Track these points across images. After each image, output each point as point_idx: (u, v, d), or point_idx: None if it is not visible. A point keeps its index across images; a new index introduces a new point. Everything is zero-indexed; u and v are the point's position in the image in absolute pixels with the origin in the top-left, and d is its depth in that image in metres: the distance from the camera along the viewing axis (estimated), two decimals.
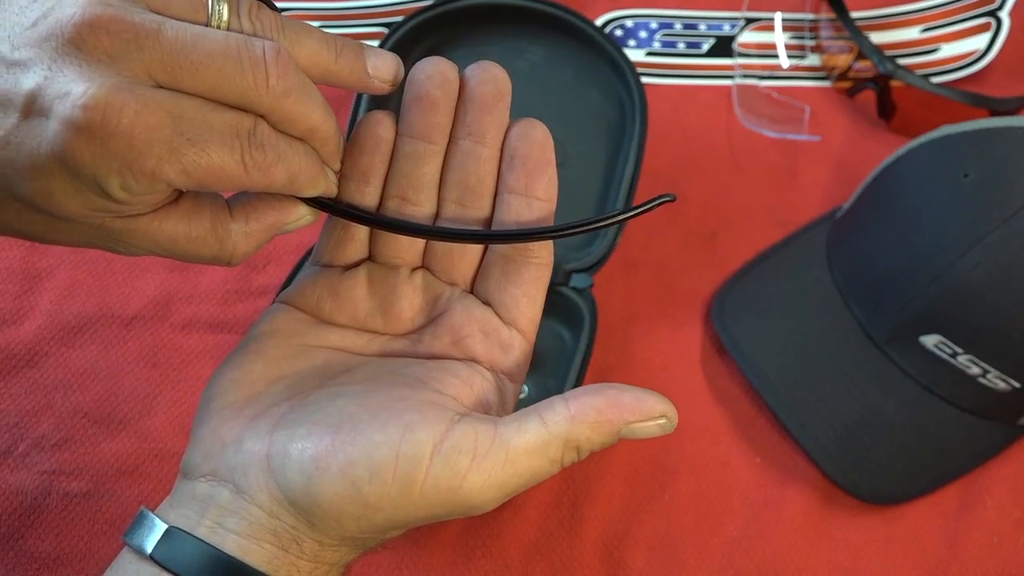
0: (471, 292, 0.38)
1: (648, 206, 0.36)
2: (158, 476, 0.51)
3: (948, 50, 0.66)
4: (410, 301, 0.37)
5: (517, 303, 0.36)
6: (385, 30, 0.65)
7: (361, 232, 0.37)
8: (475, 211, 0.37)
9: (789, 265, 0.57)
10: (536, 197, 0.36)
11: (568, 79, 0.58)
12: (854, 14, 0.64)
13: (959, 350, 0.49)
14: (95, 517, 0.50)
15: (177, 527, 0.31)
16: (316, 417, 0.32)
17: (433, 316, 0.37)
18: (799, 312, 0.55)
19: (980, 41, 0.65)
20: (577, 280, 0.54)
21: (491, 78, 0.35)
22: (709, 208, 0.61)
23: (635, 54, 0.66)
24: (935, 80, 0.64)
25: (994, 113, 0.59)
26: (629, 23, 0.67)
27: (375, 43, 0.57)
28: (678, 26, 0.67)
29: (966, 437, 0.52)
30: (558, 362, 0.53)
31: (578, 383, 0.51)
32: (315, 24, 0.65)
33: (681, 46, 0.67)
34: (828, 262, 0.56)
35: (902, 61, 0.64)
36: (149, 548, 0.31)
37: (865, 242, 0.54)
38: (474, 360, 0.36)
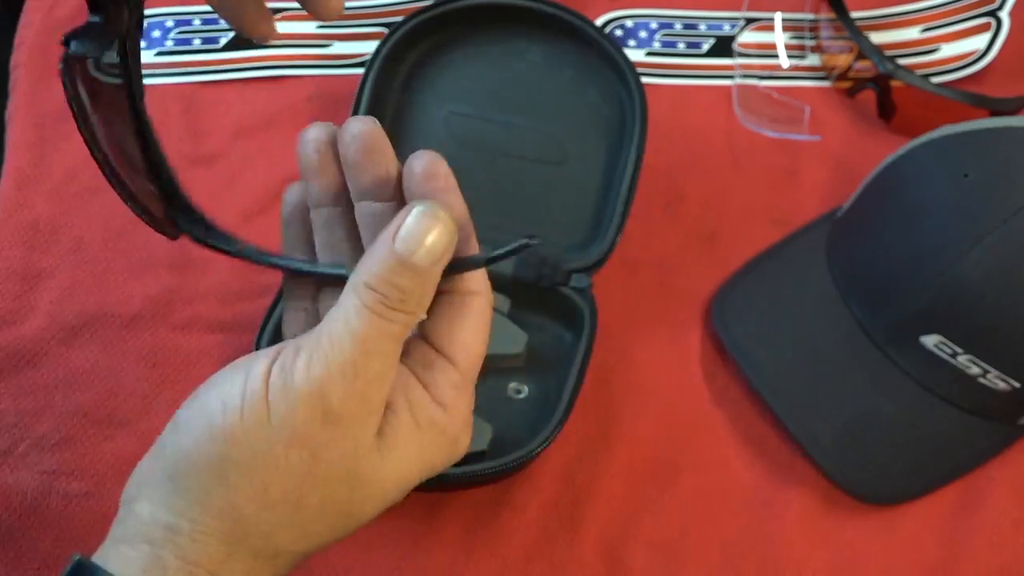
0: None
1: (511, 250, 0.33)
2: None
3: (948, 50, 0.66)
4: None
5: (458, 338, 0.34)
6: (385, 30, 0.65)
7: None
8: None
9: (789, 265, 0.57)
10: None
11: (568, 79, 0.58)
12: (854, 14, 0.64)
13: (959, 350, 0.49)
14: (95, 517, 0.50)
15: (82, 557, 0.31)
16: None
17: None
18: (799, 312, 0.55)
19: (980, 41, 0.65)
20: (577, 280, 0.54)
21: (359, 135, 0.35)
22: (709, 208, 0.61)
23: (635, 54, 0.66)
24: (935, 80, 0.64)
25: (994, 113, 0.59)
26: (629, 23, 0.67)
27: (375, 43, 0.57)
28: (678, 26, 0.67)
29: (966, 437, 0.52)
30: (558, 362, 0.53)
31: (578, 383, 0.51)
32: (314, 25, 0.65)
33: (681, 46, 0.67)
34: (828, 262, 0.56)
35: (902, 61, 0.64)
36: None
37: (865, 242, 0.54)
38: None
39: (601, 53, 0.57)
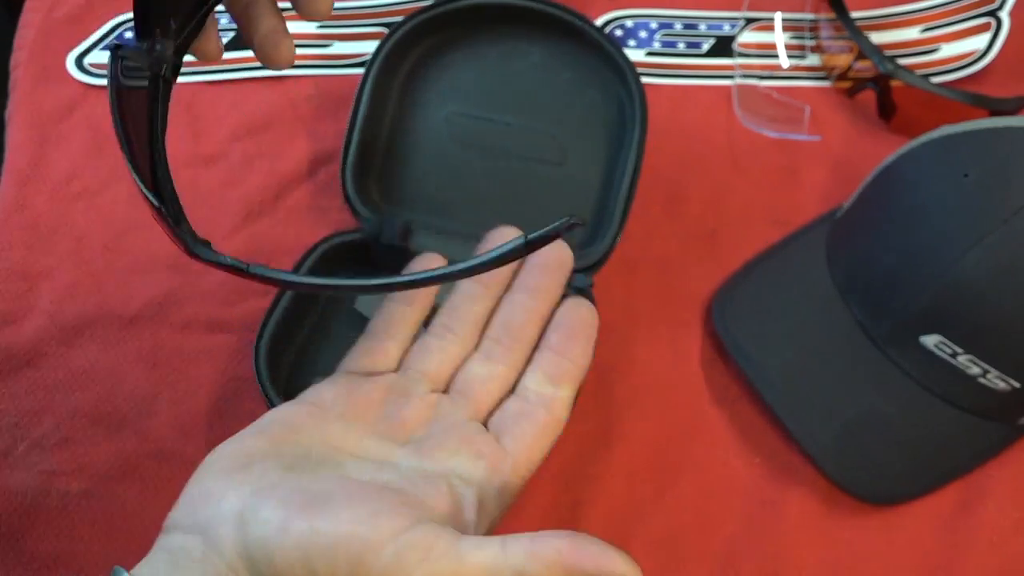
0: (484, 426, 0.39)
1: (553, 229, 0.34)
2: (158, 476, 0.51)
3: (948, 50, 0.66)
4: (419, 412, 0.39)
5: (524, 436, 0.37)
6: (385, 30, 0.65)
7: (392, 347, 0.39)
8: (510, 352, 0.39)
9: (789, 265, 0.57)
10: (569, 359, 0.39)
11: (568, 79, 0.58)
12: (854, 14, 0.64)
13: (959, 350, 0.49)
14: (95, 517, 0.50)
15: None
16: (295, 487, 0.33)
17: (435, 431, 0.39)
18: (799, 312, 0.55)
19: (980, 41, 0.65)
20: (577, 280, 0.54)
21: (557, 254, 0.39)
22: (709, 208, 0.61)
23: (635, 54, 0.66)
24: (935, 80, 0.64)
25: (994, 113, 0.59)
26: (629, 23, 0.67)
27: (375, 43, 0.57)
28: (678, 26, 0.67)
29: (966, 437, 0.52)
30: None
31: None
32: (314, 25, 0.65)
33: (681, 46, 0.67)
34: (828, 262, 0.56)
35: (902, 61, 0.64)
36: None
37: (865, 242, 0.54)
38: (462, 476, 0.37)
39: (601, 53, 0.57)
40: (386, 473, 0.36)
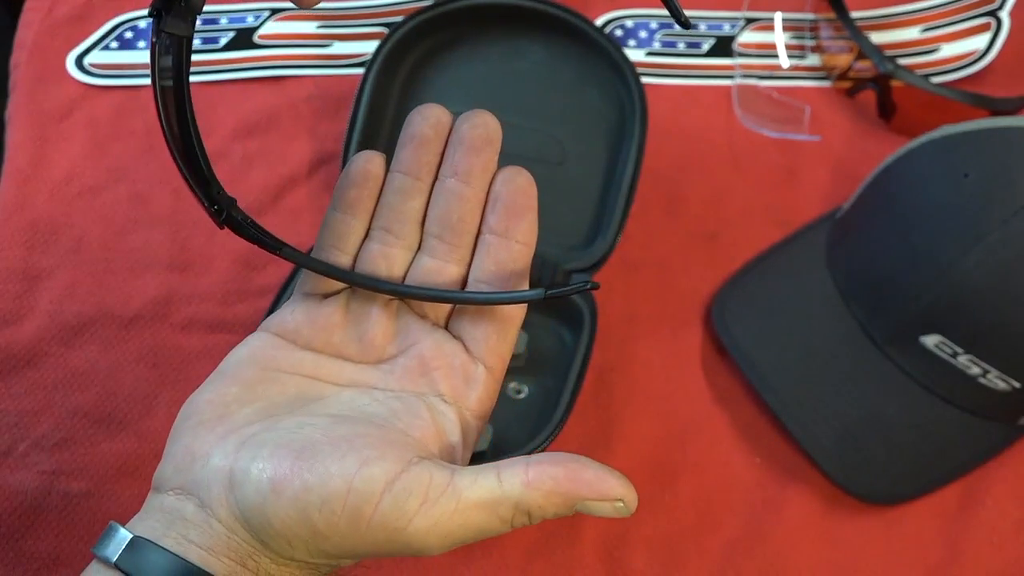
0: (445, 327, 0.38)
1: (574, 288, 0.36)
2: None
3: (948, 50, 0.66)
4: (383, 329, 0.38)
5: (487, 338, 0.37)
6: (385, 30, 0.65)
7: (344, 260, 0.38)
8: (454, 248, 0.38)
9: (789, 265, 0.57)
10: (516, 240, 0.37)
11: (568, 79, 0.58)
12: (854, 14, 0.64)
13: (959, 350, 0.49)
14: (95, 517, 0.50)
15: (143, 537, 0.32)
16: (281, 441, 0.33)
17: (404, 347, 0.38)
18: (799, 312, 0.55)
19: (980, 41, 0.65)
20: (577, 280, 0.54)
21: (482, 123, 0.37)
22: (709, 208, 0.61)
23: (635, 54, 0.66)
24: (935, 80, 0.64)
25: (994, 113, 0.59)
26: (629, 23, 0.67)
27: (375, 43, 0.57)
28: (678, 26, 0.67)
29: (966, 437, 0.52)
30: (558, 362, 0.53)
31: (578, 383, 0.51)
32: (314, 25, 0.65)
33: (681, 46, 0.67)
34: (828, 262, 0.56)
35: (902, 61, 0.64)
36: (114, 557, 0.32)
37: (865, 242, 0.54)
38: (440, 394, 0.37)
39: (601, 53, 0.57)
40: (365, 401, 0.36)
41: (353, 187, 0.38)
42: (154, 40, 0.30)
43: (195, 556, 0.32)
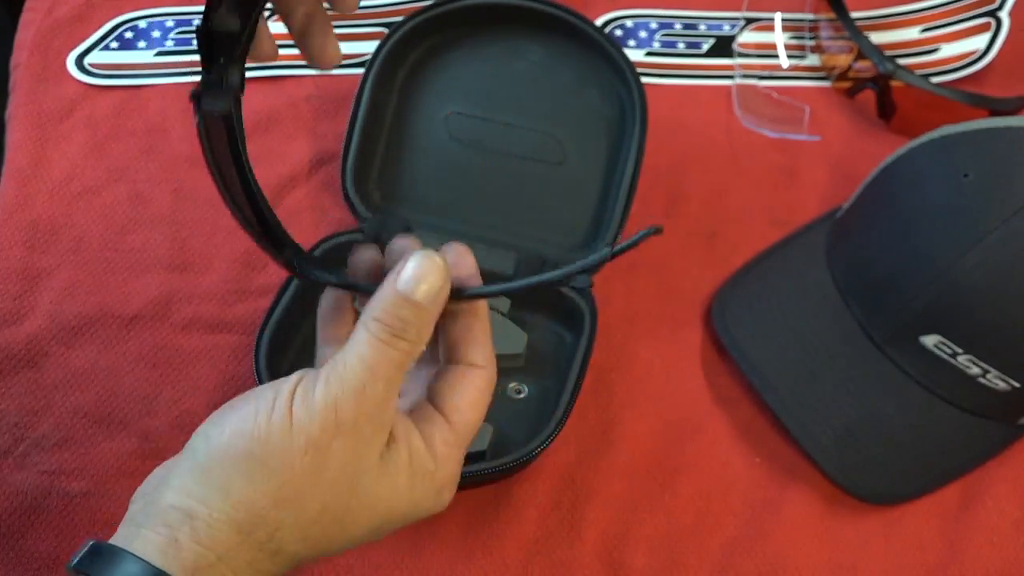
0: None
1: (636, 240, 0.35)
2: None
3: (948, 50, 0.66)
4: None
5: (456, 402, 0.38)
6: (385, 30, 0.65)
7: (348, 315, 0.40)
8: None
9: (789, 265, 0.57)
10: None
11: (568, 79, 0.58)
12: (854, 14, 0.64)
13: (959, 350, 0.49)
14: (95, 517, 0.50)
15: (96, 540, 0.35)
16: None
17: None
18: (799, 312, 0.55)
19: (980, 41, 0.65)
20: (577, 280, 0.54)
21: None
22: (709, 208, 0.61)
23: (635, 54, 0.66)
24: (935, 80, 0.64)
25: (994, 113, 0.59)
26: (629, 23, 0.67)
27: (375, 43, 0.57)
28: (678, 26, 0.67)
29: (966, 437, 0.52)
30: (558, 362, 0.53)
31: (578, 383, 0.51)
32: None
33: (681, 46, 0.67)
34: (828, 262, 0.56)
35: (902, 61, 0.64)
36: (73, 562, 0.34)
37: (865, 242, 0.54)
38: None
39: (601, 53, 0.57)
40: None
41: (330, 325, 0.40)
42: (197, 122, 0.33)
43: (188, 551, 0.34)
